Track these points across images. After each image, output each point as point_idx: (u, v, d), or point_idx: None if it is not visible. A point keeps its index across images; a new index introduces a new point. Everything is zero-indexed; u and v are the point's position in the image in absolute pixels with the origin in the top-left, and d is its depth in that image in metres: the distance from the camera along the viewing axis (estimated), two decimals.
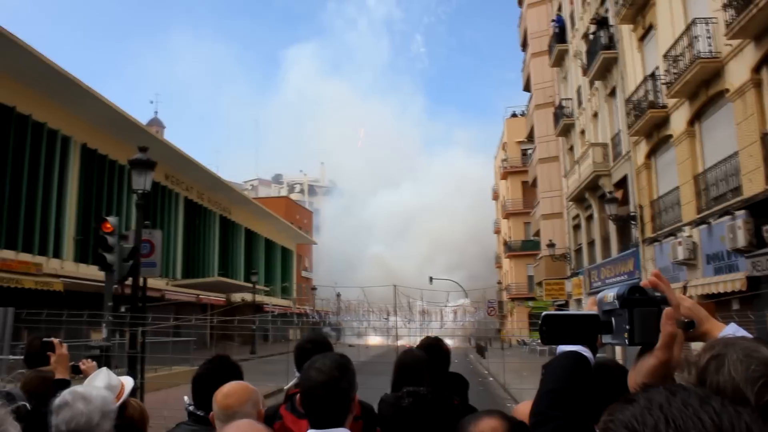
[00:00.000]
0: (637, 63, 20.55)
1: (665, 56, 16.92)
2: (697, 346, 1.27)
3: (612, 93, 23.77)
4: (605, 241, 25.16)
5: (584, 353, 1.41)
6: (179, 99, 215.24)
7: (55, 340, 3.60)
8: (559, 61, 32.43)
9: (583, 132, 28.55)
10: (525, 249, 52.41)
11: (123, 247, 11.21)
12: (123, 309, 11.67)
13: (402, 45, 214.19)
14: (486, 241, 73.75)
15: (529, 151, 47.16)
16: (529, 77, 42.22)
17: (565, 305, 31.50)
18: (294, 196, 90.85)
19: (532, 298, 44.75)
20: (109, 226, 11.04)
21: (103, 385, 2.98)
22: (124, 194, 29.66)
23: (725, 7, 13.46)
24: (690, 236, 16.48)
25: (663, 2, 18.17)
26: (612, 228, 23.57)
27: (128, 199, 29.06)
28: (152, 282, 22.66)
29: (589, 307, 1.37)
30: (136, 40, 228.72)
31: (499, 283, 62.73)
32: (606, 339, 1.31)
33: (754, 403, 1.02)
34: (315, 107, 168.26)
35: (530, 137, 43.57)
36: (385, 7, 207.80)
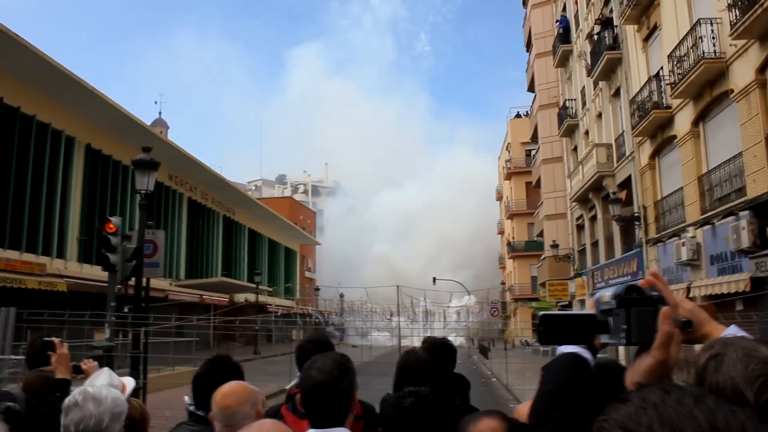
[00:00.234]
0: (642, 63, 20.51)
1: (670, 56, 16.89)
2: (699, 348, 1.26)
3: (616, 93, 23.73)
4: (609, 241, 25.11)
5: (584, 355, 1.41)
6: (183, 99, 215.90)
7: (56, 340, 3.60)
8: (563, 61, 32.41)
9: (587, 132, 28.51)
10: (528, 249, 52.37)
11: (126, 247, 11.24)
12: (126, 309, 11.70)
13: (407, 44, 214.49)
14: (491, 240, 73.70)
15: (533, 152, 47.12)
16: (533, 78, 42.19)
17: (569, 306, 31.46)
18: (297, 197, 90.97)
19: (536, 299, 44.64)
20: (112, 226, 11.06)
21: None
22: (128, 195, 29.72)
23: (730, 7, 13.42)
24: (694, 237, 16.43)
25: (667, 2, 18.13)
26: (615, 229, 23.52)
27: (132, 199, 29.12)
28: (156, 282, 22.68)
29: (590, 307, 1.37)
30: (140, 39, 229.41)
31: (503, 283, 62.68)
32: (604, 339, 1.30)
33: (753, 403, 1.01)
34: (319, 107, 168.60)
35: (534, 138, 43.53)
36: (389, 5, 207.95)
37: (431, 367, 3.47)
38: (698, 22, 15.16)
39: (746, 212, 13.46)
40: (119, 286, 11.69)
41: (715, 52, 14.75)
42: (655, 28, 19.34)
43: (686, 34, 15.82)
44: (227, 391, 2.50)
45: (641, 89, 19.42)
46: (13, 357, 10.33)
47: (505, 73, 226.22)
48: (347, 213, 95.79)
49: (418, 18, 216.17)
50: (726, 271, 14.77)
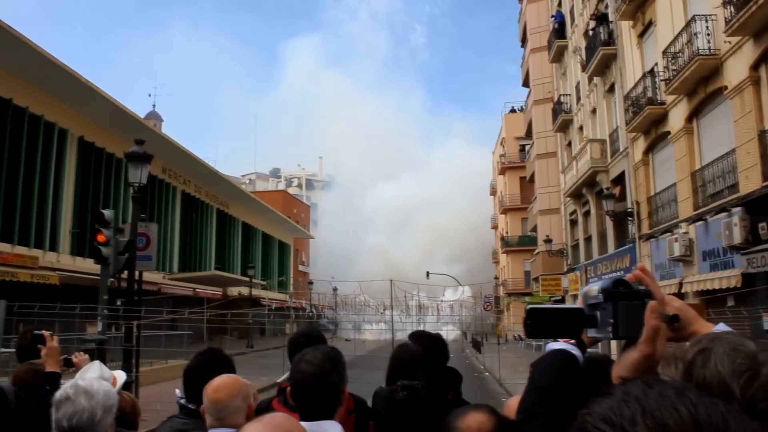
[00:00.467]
0: (636, 59, 20.54)
1: (664, 53, 16.92)
2: None
3: (611, 89, 23.76)
4: (602, 237, 25.20)
5: (572, 351, 1.41)
6: (177, 92, 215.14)
7: (46, 333, 3.58)
8: (558, 56, 32.41)
9: (581, 128, 28.56)
10: (522, 244, 52.50)
11: (119, 240, 11.20)
12: (119, 302, 11.67)
13: (403, 36, 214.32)
14: (485, 234, 73.81)
15: (527, 147, 47.17)
16: (528, 73, 42.18)
17: (562, 301, 31.56)
18: (291, 190, 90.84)
19: (529, 294, 44.81)
20: (105, 219, 11.02)
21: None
22: (121, 187, 29.60)
23: (725, 4, 13.44)
24: (686, 233, 16.50)
25: None
26: (609, 224, 23.60)
27: (125, 192, 29.02)
28: (149, 276, 22.65)
29: (581, 303, 1.37)
30: (134, 32, 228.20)
31: (496, 278, 62.86)
32: (591, 333, 1.30)
33: (739, 397, 1.02)
34: (314, 101, 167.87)
35: (528, 133, 43.57)
36: None
37: (424, 361, 3.47)
38: (693, 18, 15.19)
39: (739, 208, 13.52)
40: (112, 279, 11.66)
41: (709, 48, 14.79)
42: (650, 24, 19.36)
43: (681, 31, 15.85)
44: (218, 384, 2.50)
45: (636, 85, 19.45)
46: (4, 350, 10.30)
47: (501, 67, 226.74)
48: (341, 206, 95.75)
49: (414, 10, 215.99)
50: (718, 267, 14.86)
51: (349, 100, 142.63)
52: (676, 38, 16.15)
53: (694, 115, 16.67)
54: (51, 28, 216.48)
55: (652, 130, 19.20)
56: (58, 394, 2.37)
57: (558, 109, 31.37)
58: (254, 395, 2.66)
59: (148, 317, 13.27)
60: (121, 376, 3.42)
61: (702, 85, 15.70)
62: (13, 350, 5.00)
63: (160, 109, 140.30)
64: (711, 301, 15.21)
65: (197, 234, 40.65)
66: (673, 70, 16.21)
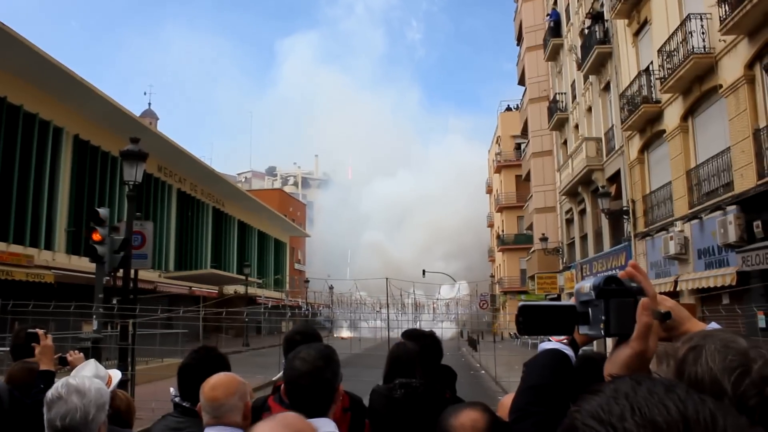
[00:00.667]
0: (632, 58, 20.57)
1: (659, 51, 16.95)
2: None
3: (606, 87, 23.80)
4: (598, 235, 25.25)
5: (565, 351, 1.42)
6: (173, 91, 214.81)
7: (40, 331, 3.57)
8: (553, 55, 32.44)
9: (576, 126, 28.60)
10: (518, 243, 52.52)
11: (114, 238, 11.18)
12: (114, 301, 11.66)
13: (399, 33, 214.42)
14: (482, 232, 73.86)
15: (523, 145, 47.20)
16: (523, 71, 42.20)
17: (557, 299, 31.62)
18: (287, 189, 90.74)
19: (525, 292, 44.87)
20: (100, 217, 11.00)
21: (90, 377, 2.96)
22: (117, 186, 29.53)
23: (720, 2, 13.46)
24: (682, 231, 16.55)
25: None
26: (604, 222, 23.65)
27: (121, 190, 28.93)
28: (144, 274, 22.61)
29: (574, 300, 1.37)
30: (129, 29, 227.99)
31: (492, 276, 62.91)
32: (583, 330, 1.30)
33: (731, 393, 1.02)
34: (310, 99, 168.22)
35: (524, 131, 43.59)
36: None
37: (420, 359, 3.48)
38: (688, 17, 15.21)
39: (734, 207, 13.56)
40: (107, 278, 11.64)
41: (704, 47, 14.82)
42: (646, 22, 19.39)
43: (676, 29, 15.87)
44: (215, 382, 2.50)
45: (631, 84, 19.49)
46: None
47: (497, 64, 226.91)
48: (338, 205, 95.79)
49: (411, 7, 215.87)
50: (713, 265, 14.90)
51: (345, 98, 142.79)
52: (671, 37, 16.18)
53: (689, 113, 16.71)
54: (46, 25, 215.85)
55: (648, 128, 19.24)
56: (49, 394, 2.35)
57: (553, 107, 31.41)
58: (250, 393, 2.66)
59: (143, 316, 13.25)
60: (116, 374, 3.42)
61: (697, 84, 15.73)
62: (7, 349, 4.98)
63: (156, 107, 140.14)
64: (706, 300, 15.26)
65: (193, 232, 40.58)
66: (668, 68, 16.23)
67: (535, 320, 1.29)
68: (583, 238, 27.58)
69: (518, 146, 52.68)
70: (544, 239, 33.01)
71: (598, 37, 23.09)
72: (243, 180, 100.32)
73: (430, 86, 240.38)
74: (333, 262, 72.55)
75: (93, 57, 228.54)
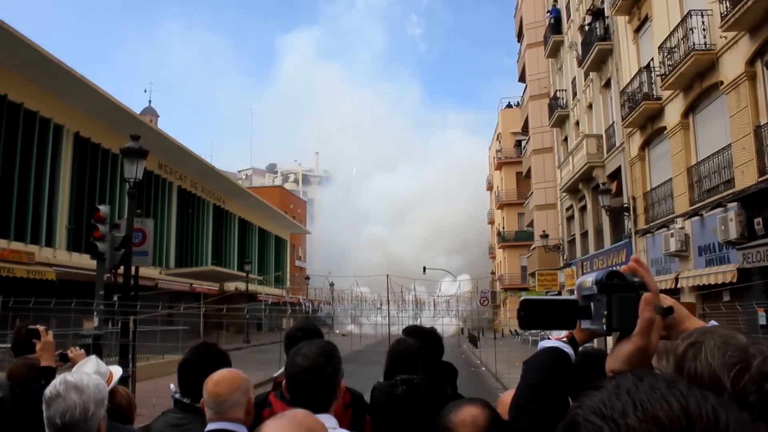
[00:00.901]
0: (632, 54, 20.54)
1: (660, 48, 16.92)
2: None
3: (607, 84, 23.77)
4: (598, 232, 25.24)
5: (565, 349, 1.42)
6: (174, 88, 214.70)
7: (41, 328, 3.58)
8: (554, 52, 32.40)
9: (577, 123, 28.57)
10: (518, 240, 52.51)
11: (115, 235, 11.19)
12: (115, 298, 11.66)
13: (399, 28, 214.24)
14: (484, 227, 73.79)
15: (524, 142, 47.17)
16: (524, 68, 42.16)
17: (558, 296, 31.61)
18: (288, 186, 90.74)
19: (525, 289, 44.87)
20: (101, 214, 11.01)
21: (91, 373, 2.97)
22: (117, 183, 29.52)
23: None
24: (682, 228, 16.55)
25: None
26: (605, 219, 23.64)
27: (122, 188, 28.92)
28: (145, 271, 22.60)
29: (576, 295, 1.37)
30: (129, 26, 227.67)
31: (493, 273, 62.91)
32: (585, 324, 1.30)
33: (730, 389, 1.03)
34: (310, 96, 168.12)
35: (525, 128, 43.57)
36: None
37: (421, 355, 3.48)
38: (689, 13, 15.19)
39: (734, 204, 13.56)
40: (108, 275, 11.65)
41: (705, 43, 14.80)
42: (646, 19, 19.36)
43: (677, 26, 15.85)
44: (218, 378, 2.50)
45: (632, 80, 19.46)
46: None
47: (498, 60, 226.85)
48: (338, 201, 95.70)
49: (411, 1, 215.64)
50: (714, 262, 14.90)
51: (346, 95, 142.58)
52: (672, 33, 16.15)
53: (690, 110, 16.69)
54: (46, 22, 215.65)
55: (648, 125, 19.22)
56: (48, 391, 2.33)
57: (554, 104, 31.38)
58: (252, 389, 2.66)
59: (144, 312, 13.25)
60: (117, 371, 3.42)
61: (698, 81, 15.71)
62: (9, 345, 4.99)
63: (156, 104, 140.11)
64: (706, 296, 15.26)
65: (194, 229, 40.59)
66: (669, 65, 16.21)
67: (537, 314, 1.29)
68: (584, 235, 27.58)
69: (519, 143, 52.65)
70: (544, 236, 33.01)
71: (598, 33, 23.05)
72: (243, 177, 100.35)
73: (430, 82, 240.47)
74: (334, 259, 72.50)
75: (93, 55, 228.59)
